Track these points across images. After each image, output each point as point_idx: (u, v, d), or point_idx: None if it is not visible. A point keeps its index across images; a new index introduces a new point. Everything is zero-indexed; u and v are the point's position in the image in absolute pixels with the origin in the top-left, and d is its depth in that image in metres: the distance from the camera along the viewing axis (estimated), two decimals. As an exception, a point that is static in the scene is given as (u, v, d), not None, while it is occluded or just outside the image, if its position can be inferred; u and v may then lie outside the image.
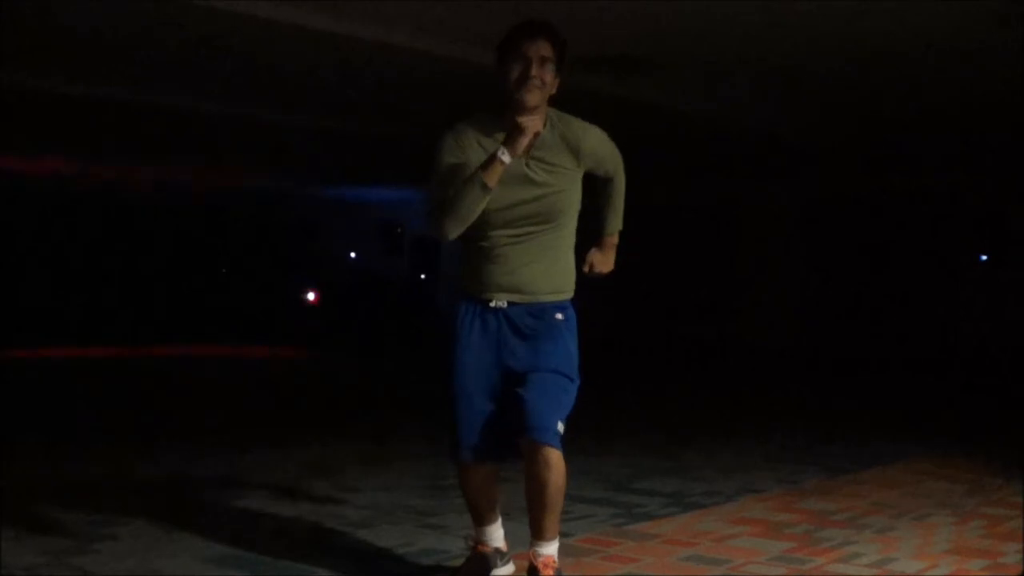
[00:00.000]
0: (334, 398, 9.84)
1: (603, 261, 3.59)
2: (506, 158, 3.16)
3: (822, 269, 15.29)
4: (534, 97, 3.23)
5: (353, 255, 21.31)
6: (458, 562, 3.73)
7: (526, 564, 3.38)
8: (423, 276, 20.23)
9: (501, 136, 3.23)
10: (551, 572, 3.30)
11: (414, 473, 5.55)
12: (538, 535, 3.32)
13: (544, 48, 3.26)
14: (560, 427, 3.28)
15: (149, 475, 5.47)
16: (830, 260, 15.32)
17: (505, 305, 3.37)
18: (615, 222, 3.60)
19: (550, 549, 3.33)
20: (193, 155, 14.23)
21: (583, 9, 6.35)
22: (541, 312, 3.38)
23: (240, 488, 5.14)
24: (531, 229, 3.34)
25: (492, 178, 3.17)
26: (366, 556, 3.87)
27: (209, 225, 19.61)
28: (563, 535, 4.23)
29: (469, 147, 3.31)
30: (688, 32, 6.88)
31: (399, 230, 21.10)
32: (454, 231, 3.26)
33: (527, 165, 3.29)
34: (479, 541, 3.61)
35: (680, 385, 11.41)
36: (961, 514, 4.81)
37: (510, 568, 3.65)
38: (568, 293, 3.46)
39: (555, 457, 3.23)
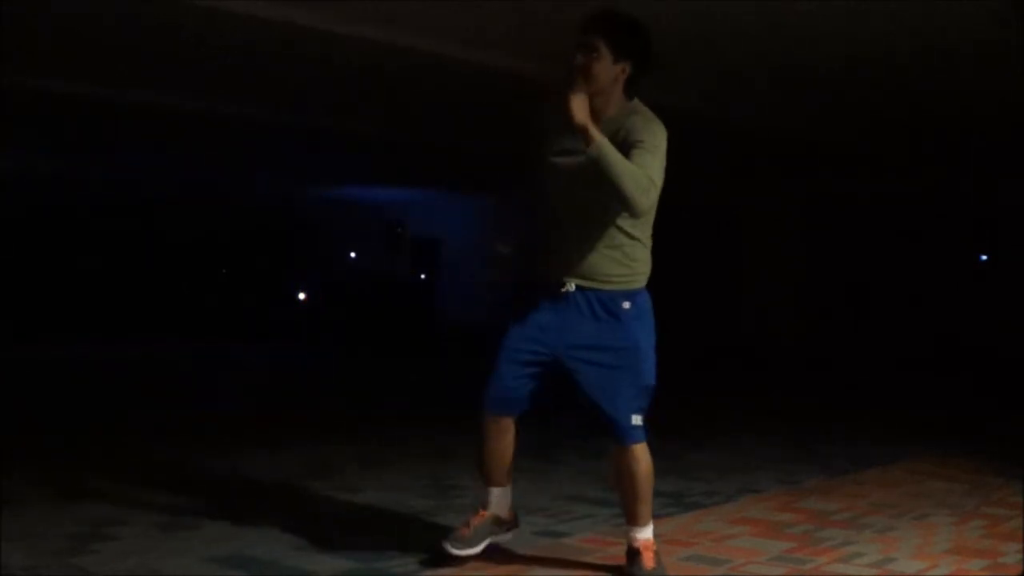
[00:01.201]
0: (334, 398, 9.85)
1: (580, 104, 3.35)
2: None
3: (822, 269, 15.28)
4: (577, 85, 3.40)
5: (353, 255, 21.31)
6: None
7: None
8: (423, 276, 20.23)
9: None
10: (651, 553, 3.57)
11: (414, 473, 5.55)
12: (632, 521, 3.60)
13: (592, 38, 3.46)
14: (637, 420, 3.50)
15: (149, 475, 5.46)
16: (830, 260, 15.31)
17: (574, 289, 3.52)
18: (604, 150, 3.31)
19: (646, 533, 3.60)
20: (193, 155, 14.23)
21: (583, 10, 6.35)
22: (610, 300, 3.51)
23: (240, 488, 5.14)
24: (592, 209, 3.45)
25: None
26: (366, 556, 3.86)
27: (208, 225, 19.61)
28: (563, 535, 4.26)
29: (547, 115, 3.57)
30: (688, 32, 6.87)
31: (399, 230, 21.09)
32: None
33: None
34: (481, 506, 3.76)
35: (680, 385, 11.39)
36: (961, 514, 4.81)
37: (508, 537, 3.82)
38: (637, 283, 3.56)
39: (639, 450, 3.52)
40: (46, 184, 17.04)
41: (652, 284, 3.63)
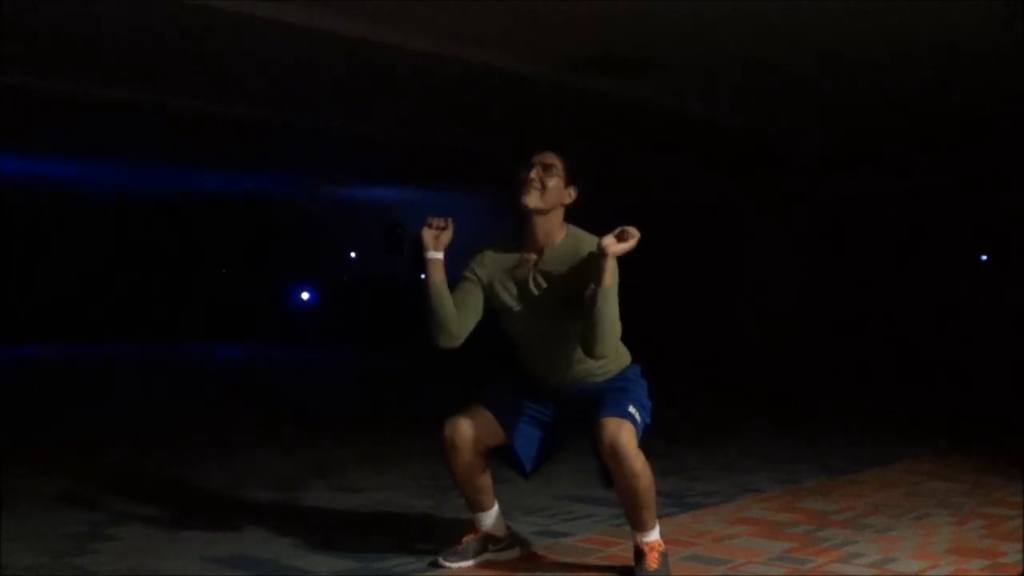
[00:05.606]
0: (334, 398, 9.85)
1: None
2: (428, 255, 3.63)
3: (822, 269, 15.28)
4: (531, 199, 3.55)
5: (353, 255, 21.30)
6: (458, 561, 3.76)
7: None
8: (423, 276, 20.22)
9: (514, 258, 3.62)
10: (656, 555, 3.61)
11: (414, 473, 5.55)
12: (637, 527, 3.63)
13: (548, 157, 3.61)
14: (632, 410, 3.56)
15: (149, 475, 5.47)
16: (830, 260, 15.31)
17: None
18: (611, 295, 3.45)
19: (651, 536, 3.62)
20: (193, 155, 14.22)
21: (583, 10, 6.35)
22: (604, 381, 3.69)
23: (240, 488, 5.14)
24: (550, 331, 3.61)
25: (430, 273, 3.63)
26: (366, 556, 3.87)
27: (208, 225, 19.59)
28: (563, 535, 4.26)
29: (487, 264, 3.68)
30: (688, 32, 6.88)
31: (399, 230, 21.08)
32: (438, 337, 3.63)
33: (532, 278, 3.59)
34: (472, 526, 3.83)
35: (680, 385, 11.40)
36: (961, 514, 4.81)
37: (506, 555, 3.85)
38: (623, 364, 3.73)
39: (639, 465, 3.53)
40: (45, 184, 17.02)
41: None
